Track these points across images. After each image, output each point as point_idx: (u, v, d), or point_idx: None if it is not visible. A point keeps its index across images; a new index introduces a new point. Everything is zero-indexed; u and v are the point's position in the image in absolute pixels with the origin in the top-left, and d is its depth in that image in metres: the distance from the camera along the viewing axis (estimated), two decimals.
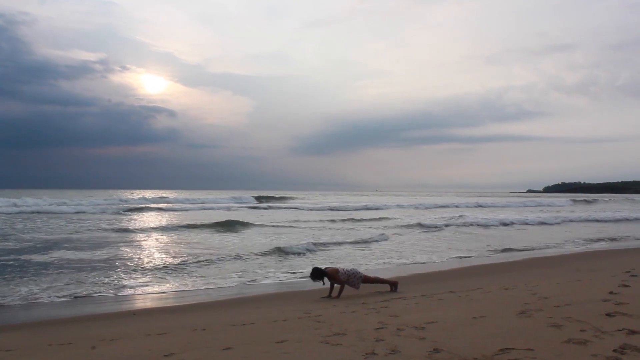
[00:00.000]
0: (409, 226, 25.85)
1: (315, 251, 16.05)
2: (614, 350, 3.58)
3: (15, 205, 37.22)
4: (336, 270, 8.83)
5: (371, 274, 9.77)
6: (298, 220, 30.33)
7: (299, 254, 15.36)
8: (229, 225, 24.66)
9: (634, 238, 21.03)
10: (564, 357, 3.52)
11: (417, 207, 51.73)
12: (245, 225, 25.41)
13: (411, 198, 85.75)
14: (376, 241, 19.18)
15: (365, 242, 18.81)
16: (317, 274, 8.79)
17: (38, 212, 33.38)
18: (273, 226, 25.88)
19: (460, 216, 31.57)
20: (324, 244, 17.60)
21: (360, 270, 9.14)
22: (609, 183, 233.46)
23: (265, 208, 46.87)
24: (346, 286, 8.78)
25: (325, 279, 8.79)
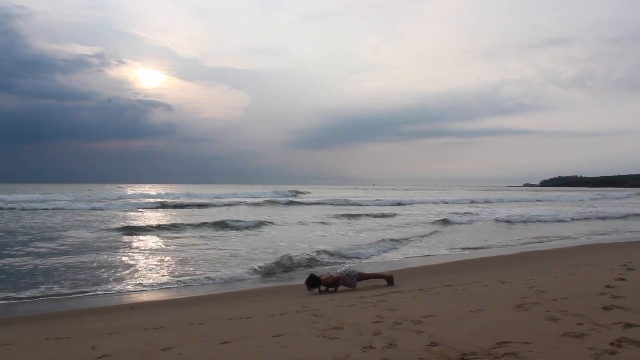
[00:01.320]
0: (446, 221, 25.37)
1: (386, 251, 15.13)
2: (611, 344, 3.59)
3: (42, 201, 36.79)
4: (330, 276, 8.83)
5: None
6: (338, 216, 29.42)
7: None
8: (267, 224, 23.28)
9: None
10: (561, 351, 3.53)
11: (436, 202, 50.86)
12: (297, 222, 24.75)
13: (423, 192, 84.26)
14: (430, 235, 19.76)
15: (425, 235, 19.50)
16: (313, 282, 8.65)
17: (62, 209, 32.20)
18: (320, 223, 25.16)
19: (487, 212, 31.01)
20: (393, 241, 16.96)
21: (354, 269, 9.13)
22: (606, 177, 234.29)
23: (300, 203, 44.70)
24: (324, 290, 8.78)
25: (321, 287, 8.75)
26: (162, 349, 4.32)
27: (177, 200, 44.10)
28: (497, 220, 26.29)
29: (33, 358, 4.33)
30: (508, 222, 25.82)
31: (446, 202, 50.33)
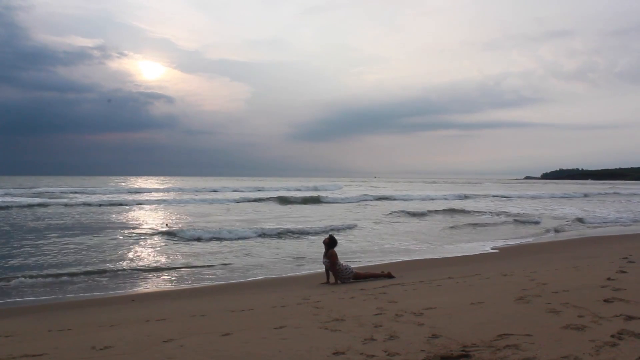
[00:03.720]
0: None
1: None
2: (612, 336, 3.60)
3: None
4: (337, 256, 8.83)
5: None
6: (414, 214, 25.75)
7: None
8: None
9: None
10: (562, 343, 3.53)
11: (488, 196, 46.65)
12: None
13: (451, 186, 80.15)
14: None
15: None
16: (332, 243, 8.89)
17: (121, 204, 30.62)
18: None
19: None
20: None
21: (352, 267, 9.06)
22: (607, 170, 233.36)
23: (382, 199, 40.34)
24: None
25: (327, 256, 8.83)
26: (164, 341, 4.34)
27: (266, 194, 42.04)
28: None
29: (35, 349, 4.34)
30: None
31: (506, 197, 45.70)
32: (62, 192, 41.28)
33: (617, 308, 4.44)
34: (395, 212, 26.51)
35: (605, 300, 4.79)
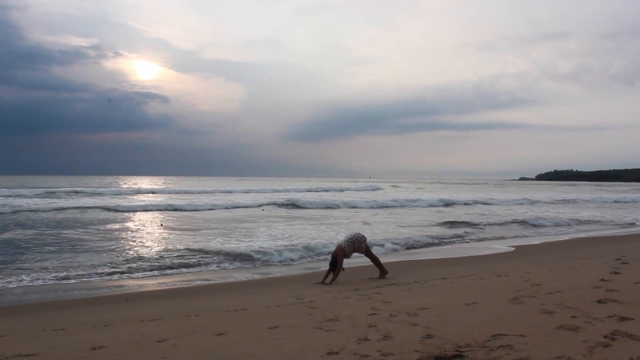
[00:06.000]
0: None
1: None
2: (605, 337, 3.61)
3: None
4: (342, 249, 8.83)
5: None
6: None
7: None
8: None
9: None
10: (555, 343, 3.55)
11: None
12: None
13: (476, 188, 73.72)
14: None
15: None
16: (335, 263, 8.70)
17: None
18: None
19: None
20: None
21: (363, 240, 9.07)
22: (601, 171, 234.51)
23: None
24: (342, 271, 8.79)
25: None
26: (158, 341, 4.32)
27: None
28: None
29: (29, 350, 4.31)
30: None
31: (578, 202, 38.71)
32: (57, 192, 40.87)
33: (610, 309, 4.46)
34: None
35: (598, 301, 4.81)
